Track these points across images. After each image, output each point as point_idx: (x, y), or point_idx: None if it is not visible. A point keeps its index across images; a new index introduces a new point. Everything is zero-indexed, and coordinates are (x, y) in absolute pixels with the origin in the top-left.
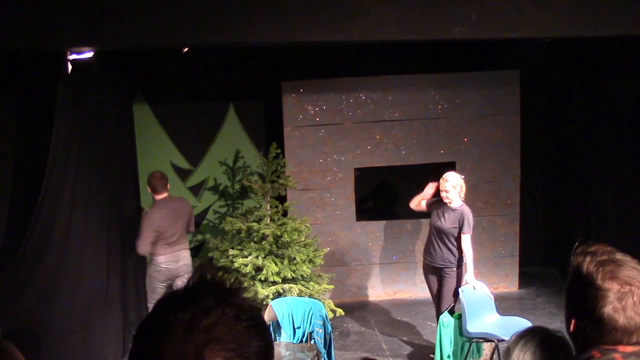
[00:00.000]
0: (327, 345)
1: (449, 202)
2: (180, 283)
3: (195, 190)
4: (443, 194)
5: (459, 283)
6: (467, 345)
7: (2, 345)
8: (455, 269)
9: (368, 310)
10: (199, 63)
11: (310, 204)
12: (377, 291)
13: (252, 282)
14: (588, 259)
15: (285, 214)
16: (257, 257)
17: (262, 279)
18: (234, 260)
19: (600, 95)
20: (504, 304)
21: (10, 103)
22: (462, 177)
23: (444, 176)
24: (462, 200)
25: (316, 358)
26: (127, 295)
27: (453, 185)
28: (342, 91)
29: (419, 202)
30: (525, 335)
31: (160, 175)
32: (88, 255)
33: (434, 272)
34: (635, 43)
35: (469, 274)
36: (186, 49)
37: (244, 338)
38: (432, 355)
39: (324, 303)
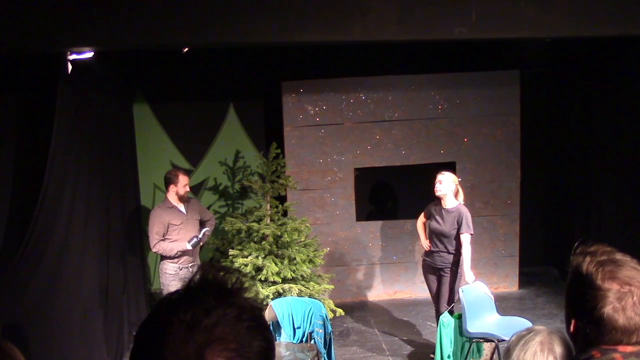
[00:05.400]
0: (327, 345)
1: (437, 192)
2: None
3: (195, 190)
4: (436, 186)
5: (457, 282)
6: (467, 345)
7: (2, 345)
8: (454, 268)
9: (368, 310)
10: (199, 63)
11: (310, 204)
12: (377, 291)
13: (252, 282)
14: (588, 259)
15: (285, 214)
16: (257, 257)
17: (262, 279)
18: (234, 260)
19: (600, 95)
20: (504, 304)
21: (10, 103)
22: (459, 179)
23: (441, 172)
24: (461, 202)
25: (316, 358)
26: (127, 295)
27: (451, 181)
28: (342, 91)
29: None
30: (525, 335)
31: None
32: (88, 255)
33: (433, 271)
34: (635, 43)
35: (467, 275)
36: (186, 49)
37: (245, 338)
38: (432, 355)
39: (324, 303)
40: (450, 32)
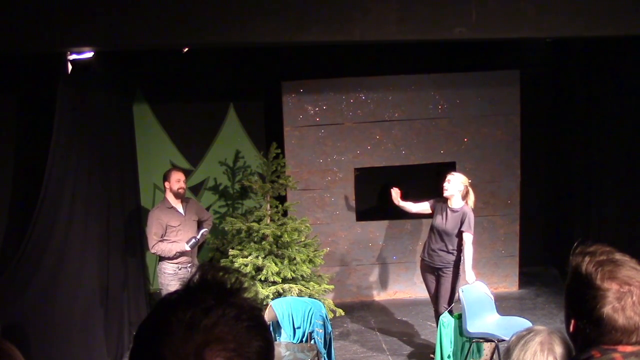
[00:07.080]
0: (327, 345)
1: (445, 191)
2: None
3: (195, 190)
4: (444, 185)
5: (457, 282)
6: (467, 345)
7: (2, 346)
8: (453, 268)
9: (368, 310)
10: (199, 63)
11: (310, 204)
12: (377, 291)
13: (252, 282)
14: (587, 259)
15: (285, 214)
16: (257, 257)
17: (262, 279)
18: (234, 260)
19: (600, 95)
20: (504, 304)
21: (10, 103)
22: (470, 181)
23: (451, 172)
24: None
25: (316, 358)
26: (127, 295)
27: (460, 181)
28: (342, 91)
29: (416, 209)
30: (525, 336)
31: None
32: (88, 255)
33: (431, 271)
34: (635, 43)
35: (468, 275)
36: (186, 49)
37: (245, 338)
38: (432, 355)
39: (324, 303)
40: (450, 32)
